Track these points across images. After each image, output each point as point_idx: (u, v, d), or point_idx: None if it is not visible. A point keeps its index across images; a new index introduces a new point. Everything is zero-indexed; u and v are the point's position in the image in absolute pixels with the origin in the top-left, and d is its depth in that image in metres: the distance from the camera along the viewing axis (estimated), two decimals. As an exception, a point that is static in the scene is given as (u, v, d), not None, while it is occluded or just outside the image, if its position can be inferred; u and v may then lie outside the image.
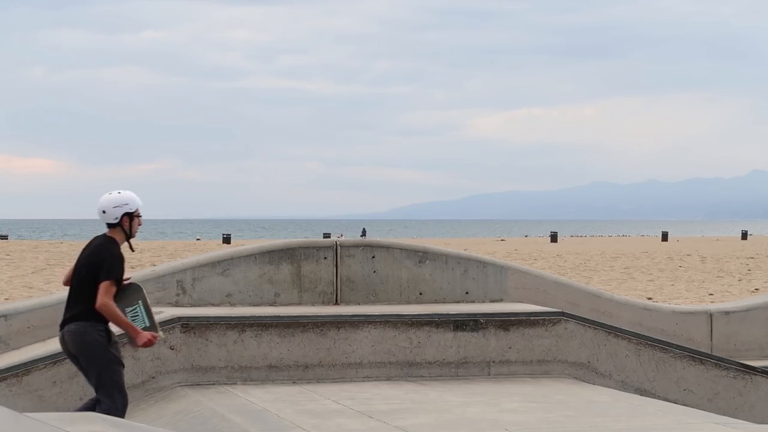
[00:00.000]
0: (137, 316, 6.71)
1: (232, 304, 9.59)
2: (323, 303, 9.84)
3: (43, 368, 8.21)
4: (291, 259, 9.80)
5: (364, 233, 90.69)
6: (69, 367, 8.12)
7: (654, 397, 9.19)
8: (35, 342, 9.12)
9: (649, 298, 21.01)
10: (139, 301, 6.72)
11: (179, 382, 8.60)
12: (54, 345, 8.23)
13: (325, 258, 9.87)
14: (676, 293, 23.08)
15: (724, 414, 8.68)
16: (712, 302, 19.84)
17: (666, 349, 9.66)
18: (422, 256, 10.15)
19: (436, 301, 10.11)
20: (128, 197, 6.79)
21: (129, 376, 8.42)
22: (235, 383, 8.70)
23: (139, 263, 32.41)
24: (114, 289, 6.56)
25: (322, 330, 8.98)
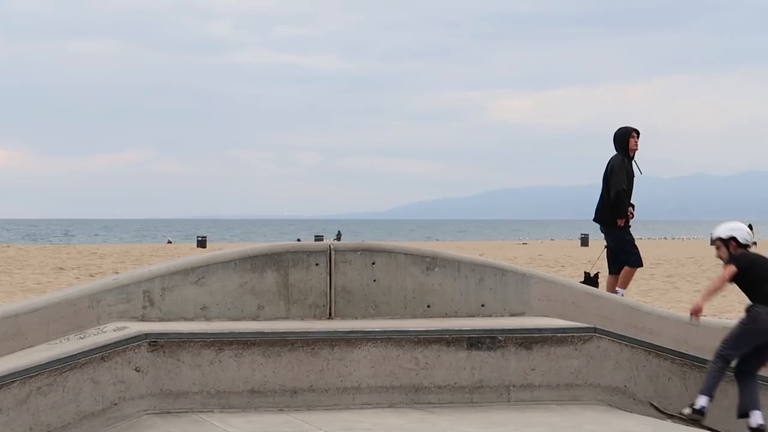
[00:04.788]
0: None
1: (208, 319, 9.58)
2: (315, 317, 9.83)
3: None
4: (277, 265, 9.79)
5: (338, 237, 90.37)
6: (17, 392, 8.12)
7: (701, 428, 9.18)
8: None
9: (696, 312, 20.98)
10: None
11: (146, 410, 8.60)
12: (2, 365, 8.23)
13: (317, 264, 9.86)
14: (728, 306, 23.07)
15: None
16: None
17: (716, 372, 9.63)
18: (431, 262, 10.13)
19: (446, 315, 10.10)
20: None
21: (87, 402, 8.44)
22: (212, 411, 8.69)
23: (99, 270, 32.43)
24: None
25: (313, 348, 8.97)
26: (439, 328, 9.30)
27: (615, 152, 13.62)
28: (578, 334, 9.45)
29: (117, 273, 25.36)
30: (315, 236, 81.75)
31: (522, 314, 10.27)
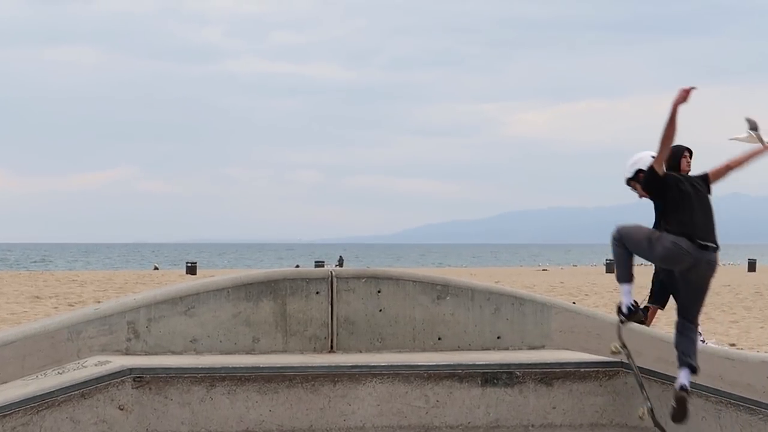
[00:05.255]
0: None
1: (198, 352, 9.58)
2: (315, 350, 9.82)
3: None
4: (274, 294, 9.79)
5: (341, 263, 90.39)
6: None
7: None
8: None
9: (732, 345, 20.96)
10: None
11: (130, 452, 8.58)
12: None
13: (317, 293, 9.85)
14: (767, 338, 23.03)
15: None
16: (812, 349, 19.78)
17: (754, 410, 9.61)
18: (441, 290, 10.13)
19: (459, 348, 10.08)
20: None
21: (66, 443, 8.41)
22: (202, 453, 8.67)
23: (79, 299, 32.44)
24: None
25: (313, 385, 8.96)
26: (451, 363, 9.28)
27: None
28: (603, 369, 9.42)
29: (99, 302, 25.33)
30: (315, 262, 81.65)
31: (541, 347, 10.24)
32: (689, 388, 9.15)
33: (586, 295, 39.16)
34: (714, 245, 9.48)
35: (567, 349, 10.22)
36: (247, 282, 9.81)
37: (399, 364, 9.20)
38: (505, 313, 10.21)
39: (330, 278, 9.93)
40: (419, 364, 9.24)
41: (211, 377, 8.80)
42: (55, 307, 28.83)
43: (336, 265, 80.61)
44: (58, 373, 8.84)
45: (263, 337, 9.75)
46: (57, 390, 8.39)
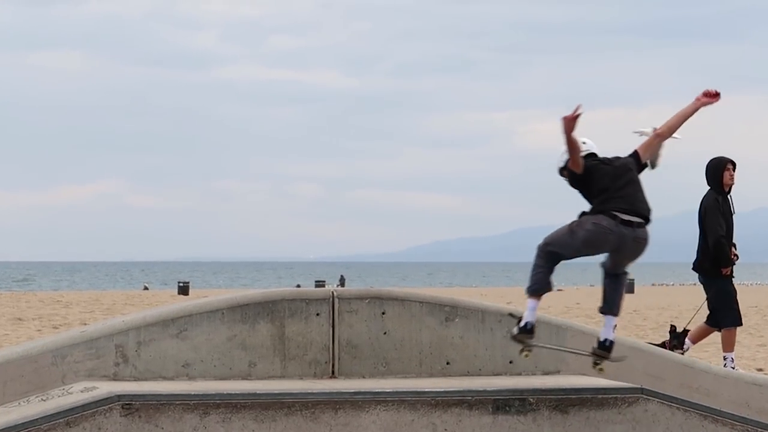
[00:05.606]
0: None
1: (190, 377, 9.58)
2: (315, 375, 9.83)
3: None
4: (272, 316, 9.80)
5: (342, 282, 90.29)
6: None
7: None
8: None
9: (760, 370, 20.93)
10: None
11: (119, 484, 8.57)
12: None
13: (317, 314, 9.86)
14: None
15: None
16: None
17: (783, 439, 9.61)
18: (450, 312, 10.13)
19: (468, 373, 10.09)
20: None
21: (50, 475, 8.40)
22: (195, 485, 8.66)
23: (64, 321, 32.45)
24: None
25: (313, 412, 8.96)
26: (461, 389, 9.27)
27: (708, 188, 13.85)
28: (622, 396, 9.42)
29: (85, 324, 25.30)
30: (316, 282, 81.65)
31: (556, 372, 10.25)
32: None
33: (605, 316, 39.05)
34: (640, 220, 9.55)
35: (583, 374, 10.21)
36: (243, 303, 9.82)
37: (405, 390, 9.20)
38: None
39: (331, 299, 9.94)
40: (426, 390, 9.24)
41: (204, 404, 8.80)
42: (39, 330, 28.83)
43: (338, 285, 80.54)
44: (42, 399, 8.85)
45: (260, 361, 9.76)
46: (41, 418, 8.39)
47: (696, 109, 9.93)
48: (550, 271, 9.65)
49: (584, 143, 9.72)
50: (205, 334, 9.65)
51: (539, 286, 9.62)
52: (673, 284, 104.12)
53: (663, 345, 14.04)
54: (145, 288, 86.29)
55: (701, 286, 14.10)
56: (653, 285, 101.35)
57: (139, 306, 44.04)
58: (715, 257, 13.71)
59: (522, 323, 9.55)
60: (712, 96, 9.92)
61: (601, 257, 9.82)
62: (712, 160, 13.93)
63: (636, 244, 9.60)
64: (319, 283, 77.98)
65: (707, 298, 14.01)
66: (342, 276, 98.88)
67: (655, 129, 9.96)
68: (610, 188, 9.57)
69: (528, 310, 9.58)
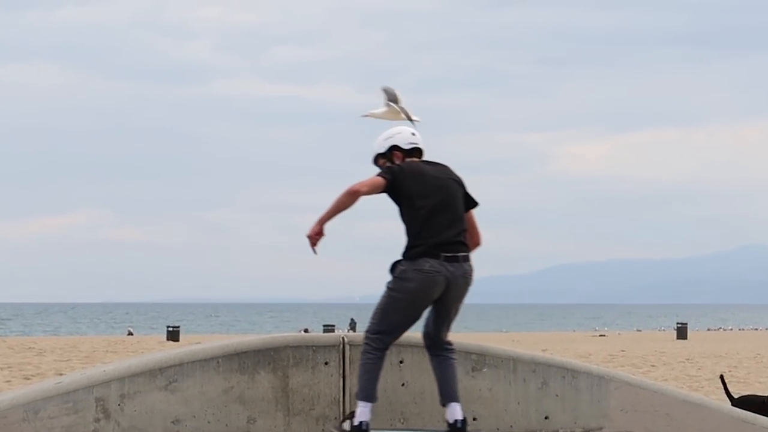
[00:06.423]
0: None
1: (181, 435, 9.60)
2: (323, 433, 9.84)
3: None
4: (274, 365, 9.82)
5: (353, 326, 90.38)
6: None
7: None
8: None
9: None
10: None
11: None
12: None
13: (326, 363, 9.88)
14: None
15: None
16: None
17: None
18: (477, 360, 10.14)
19: (498, 430, 10.09)
20: None
21: None
22: None
23: (37, 371, 32.50)
24: None
25: (321, 475, 8.96)
26: (489, 448, 9.28)
27: None
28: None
29: (61, 375, 25.32)
30: (324, 326, 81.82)
31: (599, 430, 10.24)
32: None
33: (653, 366, 39.04)
34: (465, 253, 9.37)
35: (629, 431, 10.21)
36: (241, 350, 9.84)
37: (425, 450, 9.21)
38: (555, 388, 10.21)
39: (341, 345, 9.95)
40: (450, 449, 9.24)
41: (197, 466, 8.81)
42: (8, 381, 28.87)
43: (348, 330, 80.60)
44: (12, 460, 8.87)
45: (260, 417, 9.77)
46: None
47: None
48: (380, 368, 9.47)
49: (416, 137, 9.50)
50: (198, 386, 9.67)
51: (370, 391, 9.42)
52: (731, 329, 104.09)
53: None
54: (130, 333, 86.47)
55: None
56: (708, 330, 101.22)
57: (123, 354, 44.10)
58: None
59: (356, 422, 9.32)
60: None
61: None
62: None
63: (464, 282, 9.47)
64: (328, 328, 78.13)
65: None
66: (352, 319, 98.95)
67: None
68: (432, 215, 9.34)
69: (364, 408, 9.37)
